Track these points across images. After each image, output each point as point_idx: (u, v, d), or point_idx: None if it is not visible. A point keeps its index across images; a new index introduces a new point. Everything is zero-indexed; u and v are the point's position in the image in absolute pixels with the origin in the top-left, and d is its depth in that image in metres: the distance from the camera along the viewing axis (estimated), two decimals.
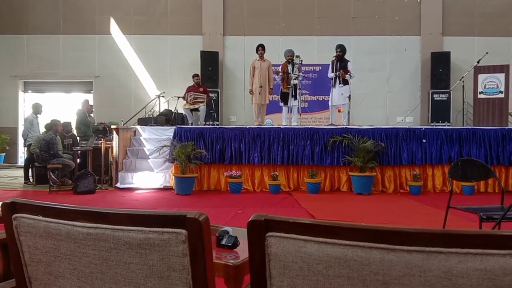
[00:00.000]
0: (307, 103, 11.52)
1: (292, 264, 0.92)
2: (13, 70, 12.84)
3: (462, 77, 9.71)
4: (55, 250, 1.09)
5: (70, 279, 1.10)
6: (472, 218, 3.50)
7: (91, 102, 11.75)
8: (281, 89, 9.30)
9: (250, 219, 0.96)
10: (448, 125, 10.73)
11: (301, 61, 9.10)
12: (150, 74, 12.65)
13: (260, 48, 9.29)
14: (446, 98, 11.60)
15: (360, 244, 0.86)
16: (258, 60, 9.33)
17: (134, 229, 1.00)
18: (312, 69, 11.83)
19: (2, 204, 1.17)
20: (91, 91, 12.88)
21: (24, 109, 12.91)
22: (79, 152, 8.74)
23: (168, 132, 8.66)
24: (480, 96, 9.83)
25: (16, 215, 1.14)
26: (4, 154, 12.72)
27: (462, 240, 0.82)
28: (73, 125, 9.84)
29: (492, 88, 9.80)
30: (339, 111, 9.34)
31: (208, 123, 10.17)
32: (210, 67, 11.73)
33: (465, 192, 7.55)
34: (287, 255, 0.92)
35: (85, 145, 8.88)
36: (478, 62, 9.78)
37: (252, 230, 0.96)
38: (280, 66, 9.42)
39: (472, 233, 0.83)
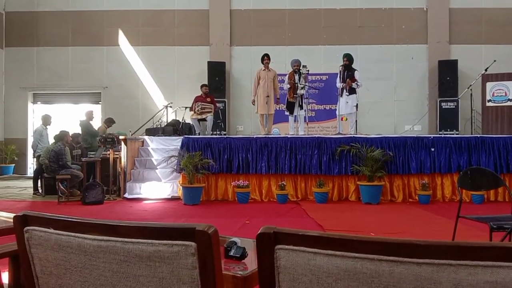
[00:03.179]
0: (313, 112, 11.52)
1: (301, 276, 0.92)
2: (23, 82, 13.01)
3: (470, 85, 9.67)
4: (66, 262, 1.10)
5: None
6: (482, 227, 3.46)
7: (99, 113, 11.89)
8: (287, 99, 9.32)
9: (259, 232, 0.96)
10: (456, 134, 10.67)
11: (308, 71, 9.12)
12: (157, 85, 12.76)
13: (266, 58, 9.33)
14: (454, 106, 11.55)
15: (370, 256, 0.86)
16: (264, 70, 9.36)
17: (144, 242, 1.01)
18: (319, 79, 11.85)
19: (14, 217, 1.18)
20: (100, 102, 13.01)
21: (34, 120, 13.06)
22: (87, 163, 8.79)
23: (175, 142, 8.70)
24: (488, 104, 9.79)
25: (28, 227, 1.16)
26: (14, 165, 12.84)
27: (472, 252, 0.82)
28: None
29: (501, 96, 9.75)
30: (342, 119, 9.36)
31: (215, 133, 10.21)
32: (217, 77, 11.81)
33: (475, 201, 7.48)
34: (296, 268, 0.92)
35: (93, 156, 8.94)
36: (486, 70, 9.75)
37: (261, 243, 0.96)
38: (287, 76, 9.45)
39: (482, 245, 0.82)
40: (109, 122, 10.47)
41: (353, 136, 8.19)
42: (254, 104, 9.54)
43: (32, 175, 9.81)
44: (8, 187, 10.16)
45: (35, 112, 13.23)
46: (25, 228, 1.16)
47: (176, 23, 12.81)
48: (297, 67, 9.13)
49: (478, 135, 8.34)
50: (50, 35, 12.94)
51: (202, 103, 9.75)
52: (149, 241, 1.00)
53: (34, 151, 9.64)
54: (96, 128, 10.40)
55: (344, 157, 7.85)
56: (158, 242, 0.99)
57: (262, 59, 9.37)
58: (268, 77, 9.31)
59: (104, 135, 8.96)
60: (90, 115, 10.29)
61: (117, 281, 1.05)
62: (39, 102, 13.40)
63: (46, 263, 1.14)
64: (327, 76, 11.76)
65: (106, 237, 1.04)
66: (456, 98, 11.41)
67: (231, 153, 8.02)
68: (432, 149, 7.87)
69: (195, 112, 9.76)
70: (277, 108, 10.27)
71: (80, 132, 9.95)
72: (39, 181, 9.05)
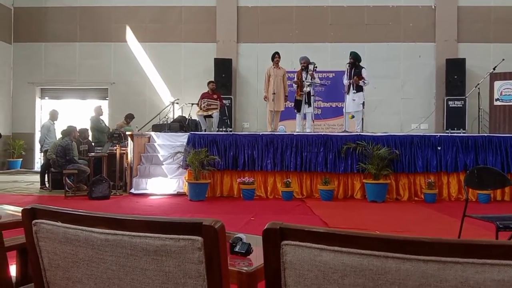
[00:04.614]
0: (320, 110, 11.50)
1: (307, 272, 0.92)
2: (31, 77, 13.09)
3: (478, 84, 9.60)
4: (74, 255, 1.11)
5: (87, 285, 1.11)
6: (489, 227, 3.44)
7: (106, 109, 11.95)
8: (295, 97, 9.33)
9: (265, 227, 0.96)
10: (463, 133, 10.60)
11: (316, 68, 9.09)
12: (164, 81, 12.78)
13: (277, 56, 9.40)
14: (461, 105, 11.47)
15: (376, 253, 0.86)
16: (273, 67, 9.39)
17: (151, 236, 1.01)
18: (326, 76, 11.81)
19: (22, 210, 1.19)
20: (107, 98, 13.06)
21: (41, 115, 13.14)
22: (93, 158, 8.84)
23: (182, 138, 8.72)
24: (496, 103, 9.72)
25: (36, 221, 1.17)
26: (21, 159, 12.94)
27: (479, 250, 0.81)
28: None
29: (509, 95, 9.67)
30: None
31: (221, 129, 10.22)
32: (224, 74, 11.80)
33: (481, 201, 7.44)
34: (303, 264, 0.92)
35: (100, 151, 8.99)
36: (494, 68, 9.67)
37: (268, 238, 0.96)
38: (296, 74, 9.47)
39: (489, 243, 0.82)
40: (128, 118, 10.64)
41: (359, 134, 8.17)
42: (266, 101, 9.59)
43: (40, 169, 9.89)
44: (15, 181, 10.24)
45: (42, 107, 13.31)
46: (33, 221, 1.17)
47: (183, 19, 12.82)
48: (304, 64, 9.12)
49: (485, 134, 8.28)
50: (58, 30, 12.99)
51: (209, 100, 9.76)
52: (156, 235, 1.01)
53: (42, 146, 9.71)
54: (116, 124, 10.57)
55: (350, 155, 7.84)
56: (165, 236, 1.00)
57: (273, 57, 9.42)
58: (277, 74, 9.34)
59: (111, 131, 9.01)
60: (99, 111, 10.35)
61: (124, 275, 1.05)
62: (46, 98, 13.48)
63: (53, 256, 1.15)
64: (334, 74, 11.71)
65: (113, 231, 1.05)
66: (464, 97, 11.33)
67: (236, 150, 8.03)
68: (439, 148, 7.83)
69: (201, 109, 9.77)
70: (286, 106, 10.26)
71: (88, 128, 10.02)
72: (46, 175, 9.11)
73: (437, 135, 8.13)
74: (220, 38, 12.57)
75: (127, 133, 8.68)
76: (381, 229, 5.20)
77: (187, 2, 12.78)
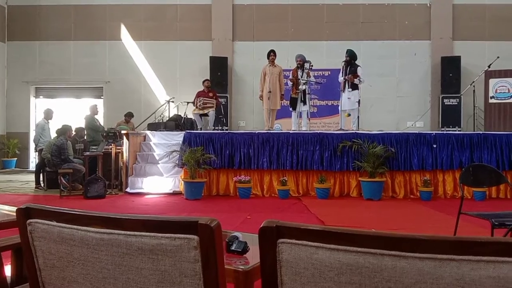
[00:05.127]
0: (316, 108, 11.51)
1: (303, 270, 0.92)
2: (25, 76, 13.02)
3: (473, 82, 9.64)
4: (69, 255, 1.11)
5: (83, 284, 1.11)
6: (484, 224, 3.46)
7: (101, 107, 11.92)
8: (291, 95, 9.33)
9: (261, 226, 0.96)
10: (459, 130, 10.64)
11: (312, 66, 9.10)
12: (160, 80, 12.75)
13: (272, 54, 9.37)
14: (456, 103, 11.51)
15: (372, 251, 0.86)
16: (269, 65, 9.38)
17: (147, 235, 1.01)
18: (321, 74, 11.82)
19: (17, 210, 1.18)
20: (102, 97, 13.01)
21: (36, 115, 13.07)
22: (89, 157, 8.81)
23: (177, 137, 8.71)
24: (491, 100, 9.77)
25: (31, 220, 1.16)
26: (16, 159, 12.88)
27: (475, 247, 0.82)
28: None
29: (504, 92, 9.72)
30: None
31: (217, 128, 10.21)
32: (219, 73, 11.79)
33: (476, 198, 7.47)
34: (299, 262, 0.92)
35: (94, 150, 8.95)
36: (489, 66, 9.72)
37: (264, 237, 0.96)
38: (291, 72, 9.47)
39: (484, 240, 0.82)
40: (128, 116, 10.66)
41: (355, 132, 8.18)
42: (261, 100, 9.59)
43: (34, 169, 9.84)
44: (10, 181, 10.19)
45: (37, 106, 13.24)
46: (28, 221, 1.16)
47: (178, 17, 12.78)
48: (300, 62, 9.12)
49: (481, 132, 8.33)
50: (53, 29, 12.93)
51: (204, 98, 9.75)
52: (152, 234, 1.00)
53: (36, 145, 9.66)
54: (116, 122, 10.61)
55: (345, 153, 7.85)
56: (160, 235, 0.99)
57: (268, 55, 9.40)
58: (273, 72, 9.33)
59: (107, 130, 8.98)
60: (94, 110, 10.32)
61: (119, 274, 1.05)
62: (41, 96, 13.41)
63: (49, 256, 1.15)
64: (329, 72, 11.72)
65: (109, 230, 1.05)
66: (459, 95, 11.37)
67: (232, 148, 8.03)
68: (434, 146, 7.86)
69: (197, 107, 9.76)
70: (282, 104, 10.26)
71: (84, 127, 9.99)
72: (41, 175, 9.07)
73: (433, 133, 8.16)
74: (216, 36, 12.55)
75: (123, 132, 8.65)
76: (377, 227, 5.21)
77: (183, 0, 12.75)
